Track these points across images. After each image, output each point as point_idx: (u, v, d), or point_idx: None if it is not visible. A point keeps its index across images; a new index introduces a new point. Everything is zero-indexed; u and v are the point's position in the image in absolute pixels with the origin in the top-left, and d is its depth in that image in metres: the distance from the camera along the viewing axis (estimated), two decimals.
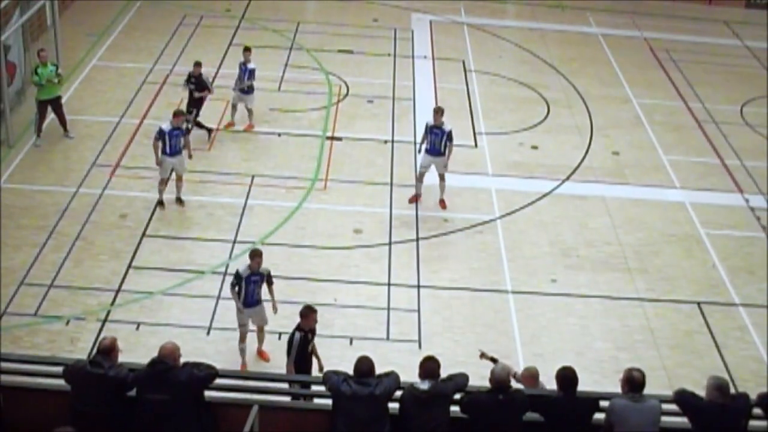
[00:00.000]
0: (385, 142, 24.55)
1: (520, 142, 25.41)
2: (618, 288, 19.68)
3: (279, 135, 24.64)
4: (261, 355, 17.08)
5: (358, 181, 22.78)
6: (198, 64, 24.04)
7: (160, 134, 20.52)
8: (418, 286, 19.18)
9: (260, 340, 17.05)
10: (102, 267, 19.06)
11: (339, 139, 24.56)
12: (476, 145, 25.06)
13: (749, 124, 27.56)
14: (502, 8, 36.51)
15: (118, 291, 18.36)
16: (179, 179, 21.18)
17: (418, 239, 20.75)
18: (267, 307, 16.66)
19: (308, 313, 15.13)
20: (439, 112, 21.42)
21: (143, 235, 20.16)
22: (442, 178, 21.71)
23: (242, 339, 16.66)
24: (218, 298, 18.32)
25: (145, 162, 22.75)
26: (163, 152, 20.66)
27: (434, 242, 20.71)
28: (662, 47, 32.98)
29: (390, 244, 20.52)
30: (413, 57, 30.29)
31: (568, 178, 23.77)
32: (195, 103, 23.91)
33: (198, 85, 23.78)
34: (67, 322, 17.39)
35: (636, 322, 18.61)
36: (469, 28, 33.44)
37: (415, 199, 22.09)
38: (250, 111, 24.61)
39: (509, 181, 23.47)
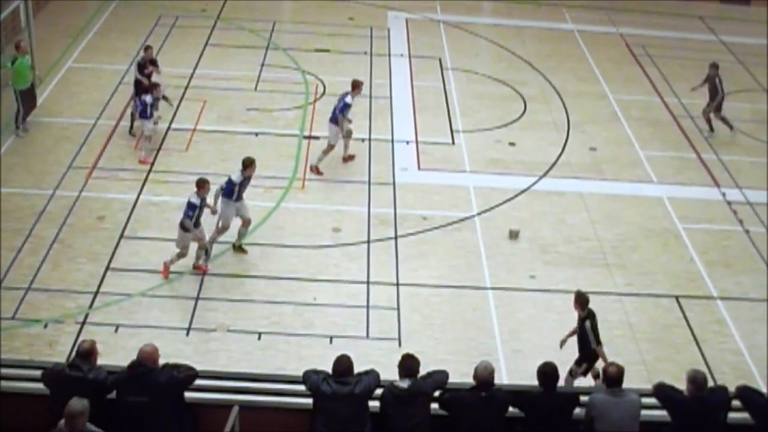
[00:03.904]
0: (363, 140, 24.52)
1: (498, 139, 25.45)
2: (596, 283, 19.73)
3: (256, 135, 24.60)
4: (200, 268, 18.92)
5: (336, 180, 22.77)
6: (148, 48, 24.95)
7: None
8: (397, 284, 19.19)
9: (198, 256, 18.99)
10: (80, 269, 18.98)
11: (316, 138, 24.52)
12: (454, 142, 25.08)
13: (725, 119, 27.64)
14: (479, 5, 36.56)
15: (96, 293, 18.29)
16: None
17: (396, 237, 20.76)
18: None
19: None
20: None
21: (121, 236, 20.09)
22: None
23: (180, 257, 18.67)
24: (197, 298, 18.30)
25: (122, 164, 22.71)
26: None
27: (413, 240, 20.72)
28: (638, 43, 33.08)
29: (369, 242, 20.52)
30: (390, 55, 30.29)
31: (545, 175, 23.82)
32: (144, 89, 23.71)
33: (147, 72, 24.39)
34: (46, 326, 17.32)
35: (615, 317, 18.67)
36: (446, 26, 33.46)
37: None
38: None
39: (487, 178, 23.50)
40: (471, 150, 24.75)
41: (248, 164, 19.22)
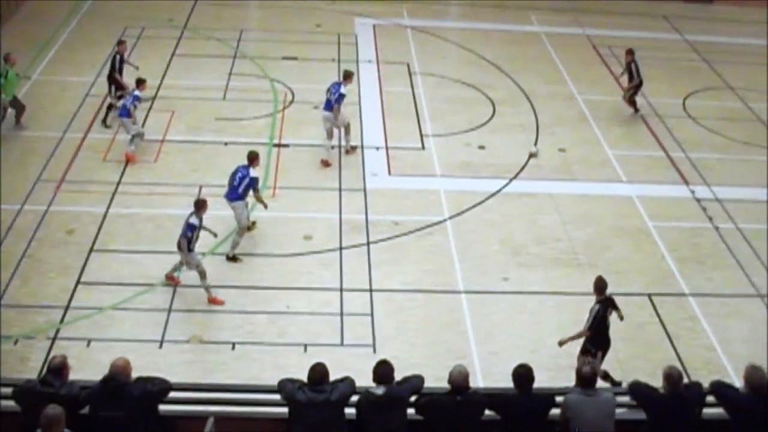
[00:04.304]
0: (333, 147, 24.47)
1: (467, 142, 25.48)
2: (570, 283, 19.79)
3: (225, 144, 24.52)
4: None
5: (307, 188, 22.72)
6: (122, 43, 25.95)
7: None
8: (371, 290, 19.16)
9: (175, 268, 18.87)
10: (50, 284, 18.83)
11: (286, 145, 24.48)
12: (423, 147, 25.09)
13: (692, 117, 27.88)
14: (445, 9, 36.66)
15: (67, 308, 18.14)
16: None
17: (368, 243, 20.73)
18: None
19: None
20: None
21: (91, 249, 19.96)
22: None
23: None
24: (169, 310, 18.19)
25: (90, 176, 22.58)
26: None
27: (385, 245, 20.71)
28: (604, 44, 33.26)
29: (341, 249, 20.48)
30: (358, 61, 30.28)
31: (516, 177, 23.87)
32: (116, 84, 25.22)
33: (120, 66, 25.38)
34: (16, 342, 17.15)
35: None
36: (413, 31, 33.50)
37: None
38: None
39: (457, 181, 23.53)
40: (441, 154, 24.76)
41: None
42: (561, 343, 16.43)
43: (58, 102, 26.10)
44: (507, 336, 18.11)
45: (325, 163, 23.83)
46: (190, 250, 18.21)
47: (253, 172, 19.89)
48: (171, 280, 18.93)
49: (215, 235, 19.13)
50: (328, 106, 23.52)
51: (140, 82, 24.09)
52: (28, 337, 17.30)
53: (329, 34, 32.60)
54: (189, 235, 18.09)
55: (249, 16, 35.52)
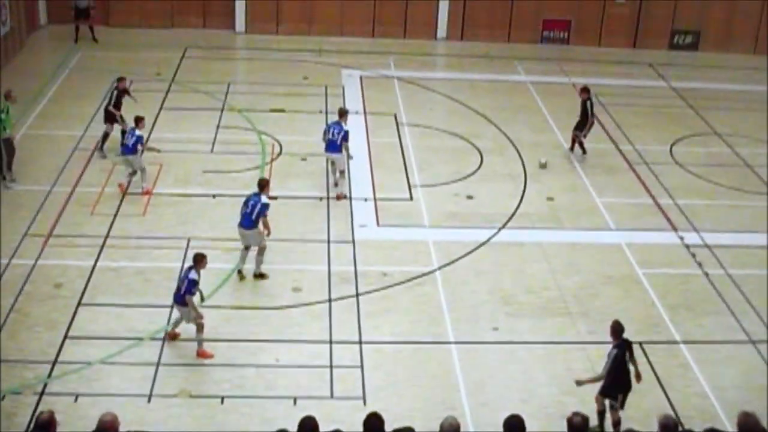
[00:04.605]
0: (321, 199, 24.50)
1: (456, 192, 25.51)
2: (560, 332, 19.74)
3: (214, 197, 24.52)
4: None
5: (295, 240, 22.68)
6: (122, 79, 26.75)
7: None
8: (360, 342, 19.07)
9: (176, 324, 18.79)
10: (38, 338, 18.70)
11: (274, 198, 24.40)
12: (412, 197, 25.11)
13: (679, 163, 27.99)
14: (432, 60, 36.88)
15: (54, 362, 18.01)
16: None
17: (357, 295, 20.67)
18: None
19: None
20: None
21: (79, 304, 19.86)
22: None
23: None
24: (158, 364, 18.06)
25: (78, 230, 22.53)
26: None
27: (374, 297, 20.65)
28: (591, 91, 33.37)
29: (330, 300, 20.41)
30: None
31: (504, 226, 23.88)
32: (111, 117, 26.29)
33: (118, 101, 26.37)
34: (3, 397, 17.00)
35: (580, 366, 18.62)
36: (400, 82, 33.69)
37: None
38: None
39: (446, 232, 23.53)
40: (429, 204, 24.78)
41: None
42: (579, 383, 16.41)
43: (46, 155, 26.09)
44: (497, 386, 18.01)
45: (340, 197, 24.70)
46: (187, 304, 18.15)
47: (265, 199, 20.66)
48: (175, 337, 18.84)
49: (202, 300, 19.01)
50: (333, 147, 24.24)
51: (139, 120, 24.72)
52: (15, 393, 17.13)
53: (316, 86, 32.74)
54: (193, 291, 18.05)
55: (236, 69, 35.74)
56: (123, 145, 24.68)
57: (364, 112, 30.54)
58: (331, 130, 24.38)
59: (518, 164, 27.35)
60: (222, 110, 30.13)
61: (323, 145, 24.67)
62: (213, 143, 27.68)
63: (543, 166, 27.06)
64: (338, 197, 24.68)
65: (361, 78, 33.81)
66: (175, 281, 20.33)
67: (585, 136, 27.73)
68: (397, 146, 28.17)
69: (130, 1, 37.75)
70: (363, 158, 27.07)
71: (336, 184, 24.85)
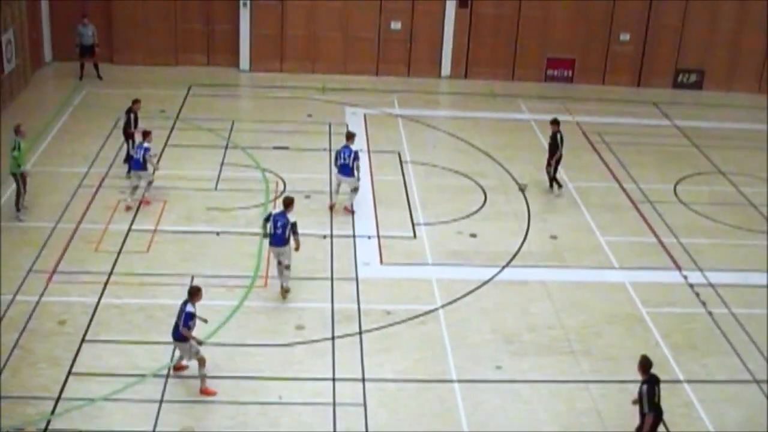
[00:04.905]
0: (324, 236, 24.55)
1: (459, 230, 25.54)
2: (563, 371, 19.71)
3: (217, 234, 24.56)
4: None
5: (299, 277, 22.66)
6: (137, 102, 27.95)
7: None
8: (363, 380, 19.04)
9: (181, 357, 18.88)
10: (41, 375, 18.69)
11: None
12: (415, 235, 25.14)
13: (683, 202, 28.01)
14: (435, 99, 37.00)
15: (58, 399, 17.99)
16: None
17: (361, 332, 20.65)
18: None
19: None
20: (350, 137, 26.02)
21: (83, 340, 19.86)
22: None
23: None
24: (161, 401, 18.04)
25: (82, 267, 22.57)
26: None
27: (377, 335, 20.63)
28: (594, 130, 33.54)
29: (333, 338, 20.40)
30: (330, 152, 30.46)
31: (507, 264, 23.88)
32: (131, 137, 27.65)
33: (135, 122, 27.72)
34: None
35: (583, 405, 18.60)
36: (403, 120, 33.77)
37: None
38: None
39: (449, 270, 23.53)
40: (433, 243, 24.80)
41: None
42: None
43: (50, 192, 26.14)
44: (500, 425, 17.96)
45: (348, 209, 26.11)
46: (187, 340, 18.18)
47: (291, 217, 21.50)
48: (181, 369, 18.89)
49: (205, 321, 19.03)
50: (346, 170, 25.46)
51: (146, 134, 26.20)
52: (18, 429, 17.13)
53: (320, 124, 32.85)
54: (189, 323, 18.11)
55: (240, 106, 35.90)
56: (133, 159, 26.05)
57: (368, 150, 30.59)
58: (342, 155, 25.52)
59: (522, 203, 27.38)
60: (226, 147, 30.22)
61: (336, 170, 25.97)
62: (217, 180, 27.75)
63: (523, 188, 27.75)
64: (346, 209, 26.09)
65: (365, 116, 33.92)
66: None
67: (555, 170, 27.91)
68: (401, 184, 28.22)
69: (135, 39, 37.96)
70: (367, 196, 27.12)
71: (350, 200, 26.21)
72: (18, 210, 24.73)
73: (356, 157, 25.46)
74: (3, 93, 32.09)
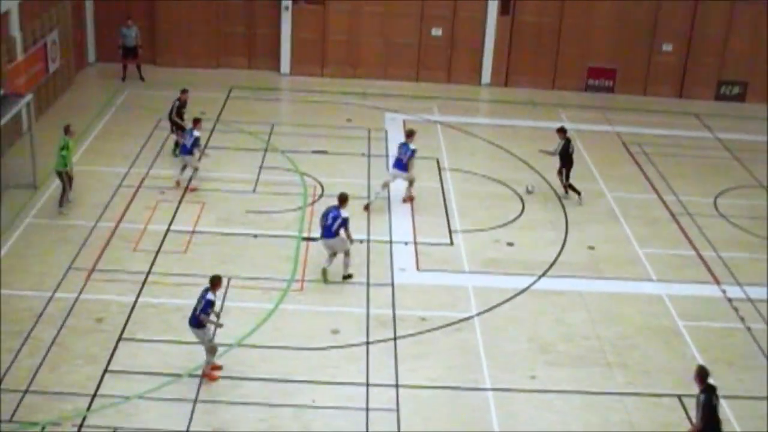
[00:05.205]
0: (361, 241, 24.57)
1: (496, 238, 25.49)
2: (597, 383, 19.61)
3: (255, 236, 24.66)
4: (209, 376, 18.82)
5: (335, 282, 22.72)
6: (185, 91, 29.34)
7: None
8: (397, 386, 19.04)
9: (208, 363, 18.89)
10: (78, 372, 18.86)
11: (315, 239, 24.56)
12: (452, 242, 25.12)
13: (723, 215, 27.79)
14: (475, 106, 36.95)
15: (94, 396, 18.15)
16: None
17: (395, 338, 20.66)
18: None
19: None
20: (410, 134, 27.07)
21: (119, 338, 20.01)
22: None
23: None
24: (195, 401, 18.14)
25: (120, 265, 22.74)
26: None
27: (412, 341, 20.63)
28: (634, 141, 33.37)
29: (367, 343, 20.42)
30: (387, 156, 30.45)
31: (544, 274, 23.81)
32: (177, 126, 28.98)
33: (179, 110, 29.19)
34: (43, 429, 17.15)
35: (616, 417, 18.51)
36: (443, 127, 33.75)
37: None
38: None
39: (486, 278, 23.49)
40: (469, 250, 24.77)
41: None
42: None
43: (91, 191, 26.35)
44: None
45: (407, 200, 27.32)
46: (204, 326, 18.43)
47: (344, 213, 22.34)
48: (209, 377, 18.94)
49: (221, 326, 19.06)
50: (400, 165, 26.65)
51: (197, 121, 27.60)
52: (55, 424, 17.30)
53: (359, 129, 32.93)
54: (208, 311, 18.38)
55: (280, 110, 36.06)
56: (182, 145, 27.24)
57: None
58: (401, 150, 26.64)
59: (560, 212, 27.28)
60: (265, 150, 30.36)
61: (391, 165, 27.53)
62: (255, 183, 27.87)
63: (530, 191, 28.22)
64: (406, 200, 27.28)
65: (404, 122, 33.91)
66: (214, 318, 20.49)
67: (567, 178, 28.06)
68: (439, 191, 28.21)
69: (178, 42, 38.26)
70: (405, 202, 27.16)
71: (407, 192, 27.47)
72: (61, 206, 25.04)
73: (412, 155, 26.57)
74: (47, 92, 32.40)
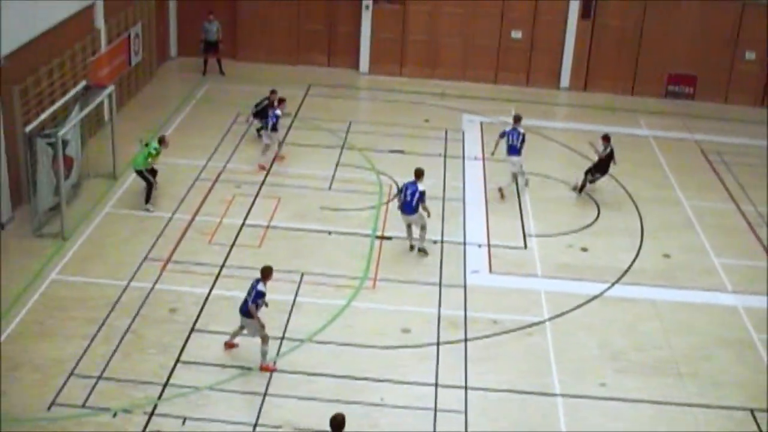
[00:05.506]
0: (435, 242, 24.59)
1: (570, 244, 25.34)
2: (668, 393, 19.41)
3: (329, 233, 24.79)
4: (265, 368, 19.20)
5: (407, 281, 22.78)
6: (274, 92, 29.90)
7: None
8: (466, 388, 19.04)
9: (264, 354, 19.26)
10: (150, 360, 19.15)
11: (389, 238, 24.65)
12: (526, 246, 25.03)
13: None
14: (551, 110, 36.72)
15: (165, 385, 18.42)
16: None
17: (466, 340, 20.66)
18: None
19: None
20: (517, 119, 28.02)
21: (192, 330, 20.27)
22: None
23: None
24: (264, 394, 18.31)
25: (195, 258, 23.01)
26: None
27: (482, 343, 20.60)
28: (713, 149, 32.93)
29: (438, 344, 20.44)
30: (464, 158, 30.47)
31: (618, 281, 23.62)
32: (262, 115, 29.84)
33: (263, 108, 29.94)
34: (114, 415, 17.44)
35: (686, 428, 18.31)
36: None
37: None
38: None
39: (558, 283, 23.38)
40: (543, 254, 24.66)
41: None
42: None
43: (168, 184, 26.68)
44: None
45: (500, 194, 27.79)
46: (252, 315, 18.78)
47: (421, 186, 23.53)
48: (266, 369, 19.14)
49: (263, 326, 19.19)
50: (515, 150, 27.52)
51: (281, 101, 29.11)
52: (126, 411, 17.58)
53: (437, 130, 32.92)
54: (258, 302, 18.78)
55: (358, 108, 36.16)
56: (265, 122, 28.86)
57: (483, 158, 30.55)
58: (511, 137, 27.56)
59: (635, 219, 27.04)
60: (342, 148, 30.50)
61: (506, 153, 27.92)
62: (331, 180, 28.02)
63: (577, 189, 28.51)
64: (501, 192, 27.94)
65: (481, 124, 33.88)
66: (286, 314, 20.71)
67: (593, 182, 28.21)
68: (514, 194, 28.10)
69: (258, 37, 38.57)
70: (479, 204, 27.12)
71: (525, 183, 28.59)
72: (147, 202, 25.36)
73: (524, 140, 27.54)
74: (129, 85, 32.90)
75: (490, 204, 27.21)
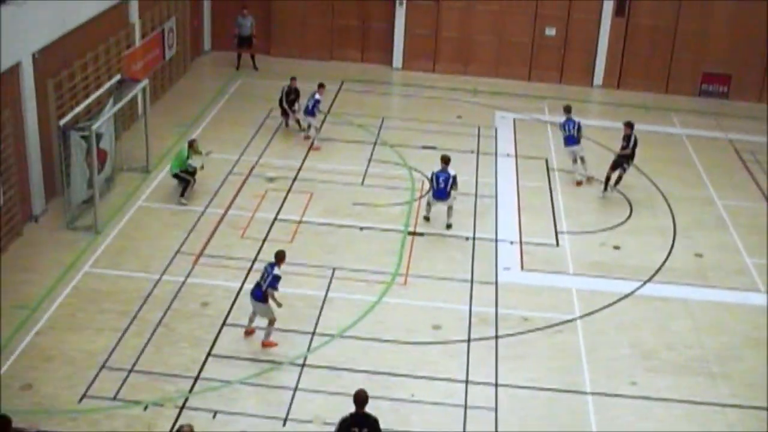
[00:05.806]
0: (467, 239, 24.60)
1: (602, 242, 25.26)
2: (699, 393, 19.32)
3: (361, 229, 24.84)
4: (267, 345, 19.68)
5: (439, 278, 22.80)
6: (294, 79, 30.76)
7: None
8: (496, 385, 19.03)
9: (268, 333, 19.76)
10: (181, 354, 19.26)
11: (420, 234, 24.66)
12: (558, 244, 24.97)
13: None
14: (586, 107, 36.54)
15: (196, 378, 18.51)
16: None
17: (497, 337, 20.65)
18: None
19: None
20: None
21: (223, 324, 20.37)
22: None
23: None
24: (295, 389, 18.38)
25: (228, 252, 23.11)
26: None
27: (513, 340, 20.59)
28: (747, 149, 32.71)
29: (468, 341, 20.44)
30: (496, 154, 30.43)
31: (649, 280, 23.53)
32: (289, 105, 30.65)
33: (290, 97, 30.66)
34: (146, 408, 17.56)
35: (718, 429, 18.22)
36: (553, 127, 33.47)
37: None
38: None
39: (590, 281, 23.31)
40: (575, 252, 24.60)
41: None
42: None
43: (201, 177, 26.70)
44: None
45: (580, 183, 28.75)
46: (267, 301, 19.16)
47: (452, 171, 25.01)
48: (270, 345, 19.62)
49: (280, 306, 19.37)
50: (572, 141, 28.50)
51: (321, 86, 30.40)
52: (157, 404, 17.69)
53: (469, 126, 32.88)
54: (275, 285, 19.14)
55: (391, 104, 36.16)
56: (305, 107, 29.98)
57: (516, 155, 30.50)
58: (567, 127, 28.59)
59: (668, 218, 26.92)
60: (375, 144, 30.53)
61: (563, 143, 29.02)
62: (364, 176, 28.06)
63: (611, 188, 28.12)
64: (579, 183, 28.89)
65: (514, 121, 33.82)
66: (317, 309, 20.75)
67: (611, 169, 28.11)
68: (547, 191, 28.05)
69: (292, 33, 38.67)
70: (511, 201, 27.08)
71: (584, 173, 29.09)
72: (182, 195, 25.51)
73: (580, 127, 28.56)
74: (163, 79, 33.06)
75: (522, 201, 27.15)
